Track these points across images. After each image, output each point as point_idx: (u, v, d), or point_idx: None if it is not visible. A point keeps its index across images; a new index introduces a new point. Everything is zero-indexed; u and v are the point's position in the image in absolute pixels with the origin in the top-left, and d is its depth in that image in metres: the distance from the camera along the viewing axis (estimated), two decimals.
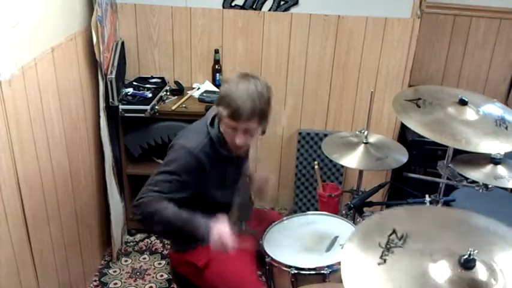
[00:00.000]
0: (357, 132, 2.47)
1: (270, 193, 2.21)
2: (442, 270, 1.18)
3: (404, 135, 3.18)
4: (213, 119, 1.95)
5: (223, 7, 3.03)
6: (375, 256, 1.22)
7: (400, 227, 1.31)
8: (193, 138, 1.91)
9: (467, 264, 1.16)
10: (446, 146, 1.99)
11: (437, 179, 2.13)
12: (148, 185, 1.86)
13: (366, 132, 2.42)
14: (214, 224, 1.81)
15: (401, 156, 2.40)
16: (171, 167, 1.86)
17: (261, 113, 1.81)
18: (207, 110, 2.83)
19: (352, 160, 2.33)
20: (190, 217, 1.82)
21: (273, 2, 3.01)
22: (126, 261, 2.99)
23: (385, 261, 1.21)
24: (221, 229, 1.80)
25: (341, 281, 1.18)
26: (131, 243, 3.14)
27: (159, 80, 3.11)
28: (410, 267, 1.20)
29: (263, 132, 1.95)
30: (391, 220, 1.36)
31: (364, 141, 2.41)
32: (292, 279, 1.87)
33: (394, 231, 1.29)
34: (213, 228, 1.80)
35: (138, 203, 1.83)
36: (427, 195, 2.10)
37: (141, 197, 1.83)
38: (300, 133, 3.29)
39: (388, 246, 1.25)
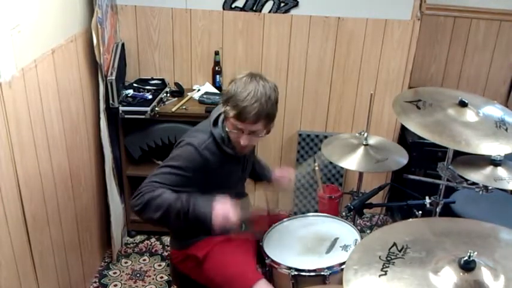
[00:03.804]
0: (357, 134, 2.47)
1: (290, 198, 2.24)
2: (444, 276, 1.18)
3: (405, 137, 3.18)
4: (216, 118, 1.96)
5: (224, 9, 3.04)
6: (376, 269, 1.22)
7: (400, 239, 1.32)
8: (198, 136, 1.92)
9: (468, 265, 1.17)
10: (447, 148, 1.99)
11: (437, 181, 2.13)
12: (151, 176, 1.86)
13: (365, 134, 2.41)
14: (216, 202, 1.81)
15: (402, 158, 2.40)
16: (176, 162, 1.86)
17: (267, 115, 1.83)
18: (207, 111, 2.86)
19: (352, 162, 2.33)
20: (190, 197, 1.81)
21: (273, 4, 3.02)
22: (126, 262, 2.99)
23: (386, 272, 1.21)
24: (223, 205, 1.80)
25: (341, 283, 1.19)
26: (131, 245, 3.14)
27: (159, 82, 3.11)
28: (412, 276, 1.20)
29: (267, 132, 1.96)
30: (391, 235, 1.37)
31: (364, 143, 2.40)
32: (292, 281, 1.87)
33: (394, 244, 1.30)
34: (214, 205, 1.80)
35: (139, 192, 1.82)
36: (427, 197, 2.10)
37: (142, 187, 1.83)
38: (300, 134, 3.29)
39: (388, 258, 1.25)
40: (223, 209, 1.79)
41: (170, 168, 1.86)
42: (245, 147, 1.92)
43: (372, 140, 2.45)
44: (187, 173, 1.85)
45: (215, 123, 1.95)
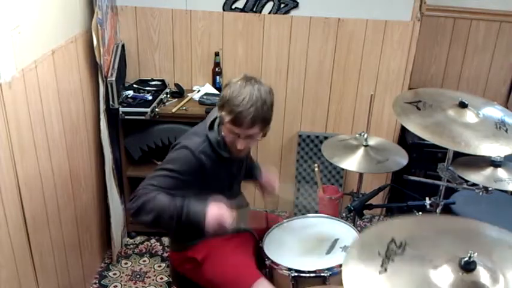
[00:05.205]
0: (357, 135, 2.47)
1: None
2: (443, 275, 1.18)
3: (405, 138, 3.18)
4: (212, 122, 1.96)
5: (224, 10, 3.04)
6: (376, 265, 1.22)
7: (399, 235, 1.31)
8: (194, 139, 1.92)
9: (468, 266, 1.17)
10: (447, 149, 1.99)
11: (437, 182, 2.13)
12: (148, 179, 1.86)
13: (365, 135, 2.41)
14: (210, 205, 1.79)
15: (402, 158, 2.39)
16: (172, 166, 1.87)
17: (263, 119, 1.83)
18: (207, 112, 2.86)
19: (352, 163, 2.33)
20: (184, 200, 1.80)
21: (273, 5, 3.02)
22: (126, 263, 2.99)
23: (385, 269, 1.21)
24: (217, 208, 1.79)
25: (341, 284, 1.18)
26: (131, 246, 3.14)
27: (159, 83, 3.11)
28: (411, 274, 1.20)
29: (264, 135, 1.95)
30: (389, 230, 1.36)
31: (364, 144, 2.40)
32: (293, 282, 1.87)
33: (392, 240, 1.29)
34: (209, 208, 1.78)
35: (134, 195, 1.82)
36: (427, 198, 2.10)
37: (138, 190, 1.83)
38: (300, 135, 3.29)
39: (387, 254, 1.25)
40: (217, 212, 1.78)
41: (166, 171, 1.86)
42: (241, 150, 1.91)
43: (372, 141, 2.44)
44: (183, 177, 1.85)
45: (211, 126, 1.95)
